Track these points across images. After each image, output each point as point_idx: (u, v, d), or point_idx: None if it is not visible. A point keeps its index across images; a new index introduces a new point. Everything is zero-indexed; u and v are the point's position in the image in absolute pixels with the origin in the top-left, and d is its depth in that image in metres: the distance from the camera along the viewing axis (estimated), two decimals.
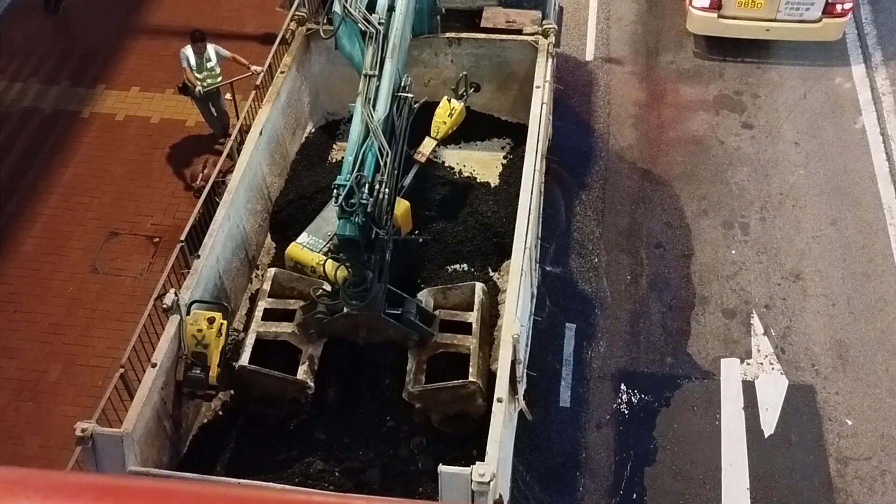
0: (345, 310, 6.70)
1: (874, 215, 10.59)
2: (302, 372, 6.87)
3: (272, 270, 7.58)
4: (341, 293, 6.64)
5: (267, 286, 7.39)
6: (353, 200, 6.09)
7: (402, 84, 6.84)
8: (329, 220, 7.65)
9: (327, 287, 7.09)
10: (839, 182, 10.99)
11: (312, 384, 6.87)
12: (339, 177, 6.21)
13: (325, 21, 8.76)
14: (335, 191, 6.16)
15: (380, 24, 6.79)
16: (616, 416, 8.83)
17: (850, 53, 12.63)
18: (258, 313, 7.20)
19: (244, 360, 6.86)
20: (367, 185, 6.12)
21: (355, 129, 6.42)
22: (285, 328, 7.07)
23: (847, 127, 11.68)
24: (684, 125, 11.79)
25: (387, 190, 6.23)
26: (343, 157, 6.44)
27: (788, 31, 12.15)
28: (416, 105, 6.95)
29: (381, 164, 6.27)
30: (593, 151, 11.41)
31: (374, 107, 6.46)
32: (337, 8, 6.97)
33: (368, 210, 6.11)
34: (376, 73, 6.60)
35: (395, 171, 6.50)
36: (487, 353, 7.16)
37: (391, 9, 6.98)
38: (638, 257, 10.23)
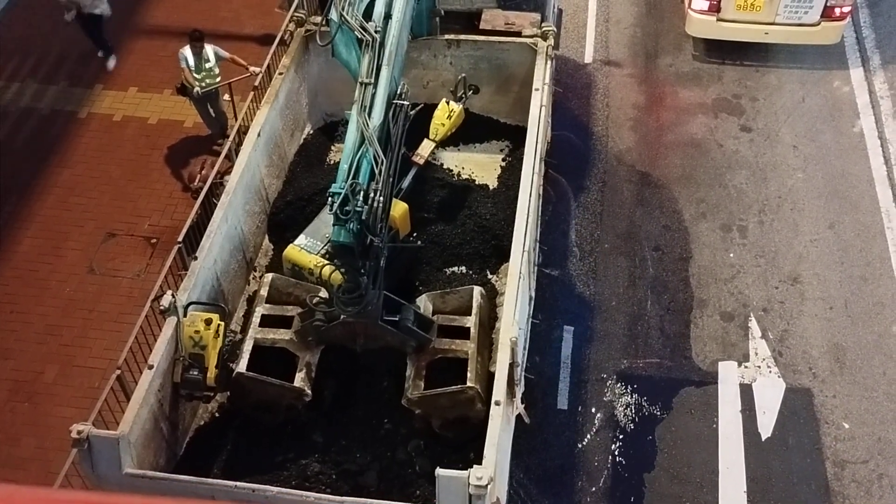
0: (342, 317, 6.69)
1: (872, 219, 10.60)
2: (299, 379, 6.86)
3: (269, 276, 7.56)
4: (335, 299, 6.64)
5: (264, 292, 7.37)
6: (347, 208, 6.11)
7: (399, 91, 6.83)
8: (327, 223, 7.62)
9: (324, 294, 7.08)
10: (837, 185, 10.99)
11: (309, 391, 6.87)
12: (333, 184, 6.24)
13: (323, 23, 8.76)
14: (330, 198, 6.19)
15: (376, 31, 6.79)
16: (613, 418, 8.83)
17: (849, 57, 12.64)
18: (256, 319, 7.18)
19: (242, 366, 6.84)
20: (361, 193, 6.13)
21: (350, 137, 6.43)
22: (283, 335, 7.05)
23: (845, 130, 11.69)
24: (683, 128, 11.79)
25: (381, 198, 6.25)
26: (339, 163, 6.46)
27: (787, 35, 12.16)
28: (413, 112, 6.95)
29: (377, 171, 6.28)
30: (592, 154, 11.41)
31: (369, 114, 6.47)
32: (333, 15, 6.97)
33: (363, 218, 6.13)
34: (372, 80, 6.60)
35: (391, 179, 6.50)
36: (486, 357, 7.15)
37: (388, 16, 6.98)
38: (636, 260, 10.23)
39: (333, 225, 6.29)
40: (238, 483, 6.02)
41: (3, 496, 1.14)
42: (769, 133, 11.69)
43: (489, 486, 5.49)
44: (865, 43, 12.79)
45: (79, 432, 5.84)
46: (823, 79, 12.39)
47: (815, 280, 9.98)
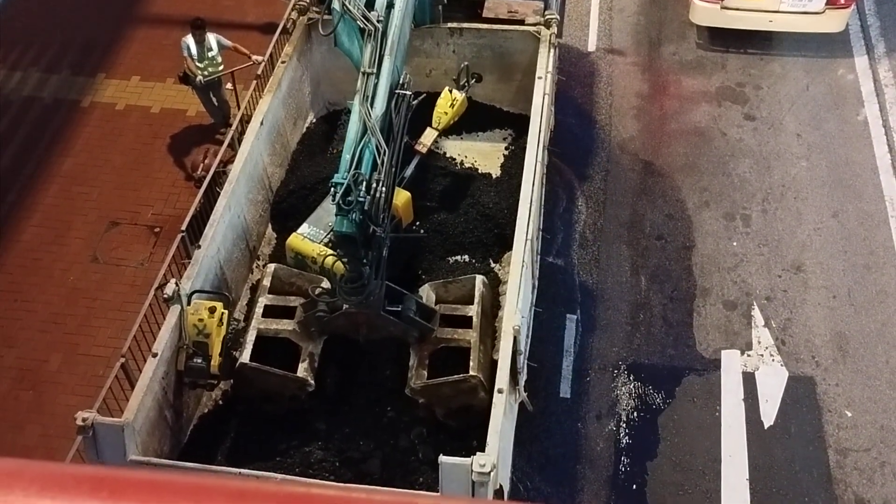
0: (345, 307, 6.70)
1: (876, 207, 10.57)
2: (302, 369, 6.89)
3: (272, 266, 7.58)
4: (337, 289, 6.66)
5: (267, 282, 7.39)
6: (350, 198, 6.12)
7: (401, 81, 6.83)
8: (330, 211, 7.64)
9: (327, 285, 7.10)
10: (841, 174, 10.97)
11: (312, 382, 6.89)
12: (336, 174, 6.25)
13: (325, 11, 8.75)
14: (332, 189, 6.20)
15: (378, 21, 6.78)
16: (616, 407, 8.84)
17: (853, 45, 12.58)
18: (259, 310, 7.20)
19: (245, 357, 6.87)
20: (364, 183, 6.14)
21: (353, 127, 6.43)
22: (286, 325, 7.07)
23: (849, 118, 11.65)
24: (686, 117, 11.76)
25: (384, 188, 6.25)
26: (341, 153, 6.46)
27: (791, 22, 12.10)
28: (415, 102, 6.94)
29: (379, 161, 6.28)
30: (595, 143, 11.39)
31: (371, 104, 6.47)
32: (336, 5, 6.95)
33: (365, 208, 6.14)
34: (374, 70, 6.59)
35: (393, 169, 6.51)
36: (489, 346, 7.16)
37: (390, 6, 6.96)
38: (639, 249, 10.22)
39: (336, 215, 6.30)
40: (242, 470, 6.06)
41: (12, 470, 1.15)
42: (773, 121, 11.65)
43: (492, 473, 5.51)
44: (870, 31, 12.73)
45: (83, 419, 5.87)
46: (828, 67, 12.33)
47: (818, 269, 9.97)
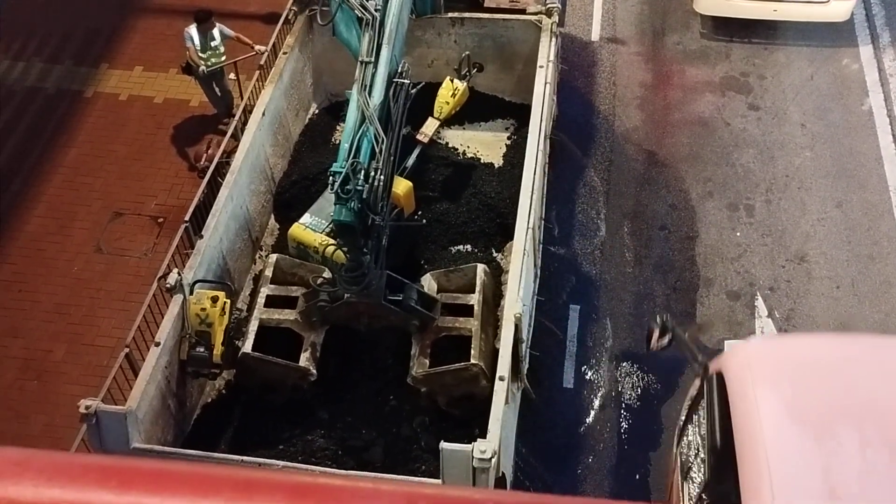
0: (346, 297, 6.72)
1: (880, 197, 10.54)
2: (304, 359, 6.91)
3: (274, 257, 7.60)
4: (338, 278, 6.68)
5: (269, 272, 7.41)
6: (348, 187, 6.14)
7: (400, 70, 6.82)
8: (332, 201, 7.65)
9: (328, 275, 7.12)
10: (845, 164, 10.93)
11: (315, 371, 6.92)
12: (335, 164, 6.27)
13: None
14: (331, 178, 6.22)
15: (376, 10, 6.78)
16: (619, 397, 8.85)
17: (858, 34, 12.51)
18: (260, 300, 7.22)
19: (247, 347, 6.89)
20: (362, 172, 6.16)
21: (351, 116, 6.45)
22: (288, 315, 7.10)
23: (854, 108, 11.60)
24: (690, 107, 11.72)
25: (382, 177, 6.27)
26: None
27: (796, 12, 12.04)
28: (414, 91, 6.94)
29: (377, 150, 6.30)
30: (598, 132, 11.36)
31: (369, 93, 6.47)
32: None
33: (364, 196, 6.15)
34: (372, 59, 6.60)
35: (392, 158, 6.53)
36: (491, 334, 7.18)
37: None
38: (642, 239, 10.21)
39: (335, 204, 6.33)
40: (244, 457, 6.08)
41: (21, 460, 1.16)
42: (777, 111, 11.61)
43: (493, 460, 5.52)
44: (875, 20, 12.66)
45: (87, 407, 5.90)
46: (832, 56, 12.27)
47: (821, 259, 9.94)
